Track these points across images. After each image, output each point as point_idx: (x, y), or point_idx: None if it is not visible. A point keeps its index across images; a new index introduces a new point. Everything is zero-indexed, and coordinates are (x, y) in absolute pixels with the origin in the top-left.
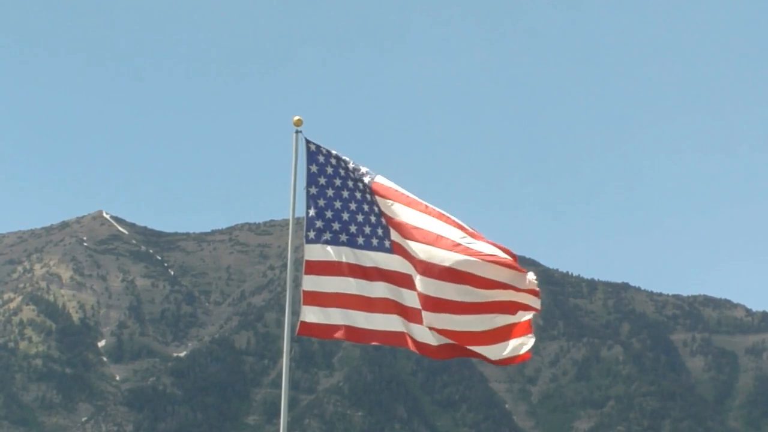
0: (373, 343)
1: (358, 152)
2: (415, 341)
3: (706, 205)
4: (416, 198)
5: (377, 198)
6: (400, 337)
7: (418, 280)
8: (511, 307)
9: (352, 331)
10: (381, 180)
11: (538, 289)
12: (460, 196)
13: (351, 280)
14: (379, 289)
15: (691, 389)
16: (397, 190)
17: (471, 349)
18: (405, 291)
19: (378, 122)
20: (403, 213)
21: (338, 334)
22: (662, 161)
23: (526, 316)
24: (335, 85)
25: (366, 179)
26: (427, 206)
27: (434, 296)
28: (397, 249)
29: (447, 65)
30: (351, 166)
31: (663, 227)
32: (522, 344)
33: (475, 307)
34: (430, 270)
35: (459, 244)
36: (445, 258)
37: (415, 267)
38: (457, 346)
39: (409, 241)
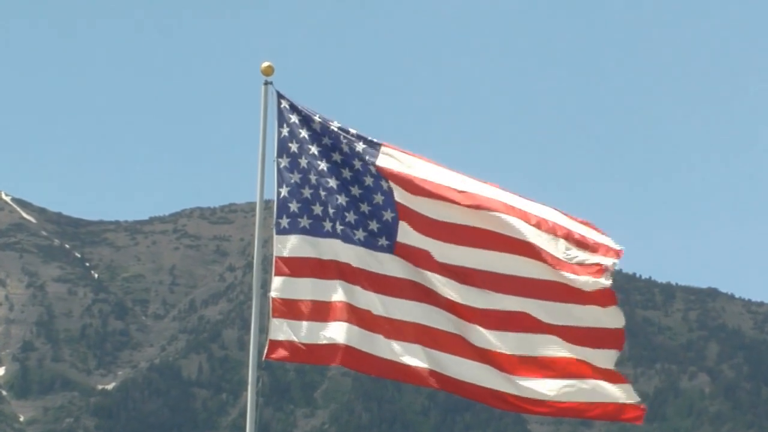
0: (371, 374)
1: (363, 124)
2: (434, 374)
3: None
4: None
5: (392, 183)
6: (405, 370)
7: (458, 288)
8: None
9: (341, 353)
10: (386, 160)
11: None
12: (484, 162)
13: (338, 283)
14: (365, 299)
15: None
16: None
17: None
18: (404, 302)
19: (386, 77)
20: (425, 204)
21: (322, 358)
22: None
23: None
24: (319, 24)
25: (366, 156)
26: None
27: (491, 309)
28: (401, 249)
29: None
30: (335, 128)
31: (764, 216)
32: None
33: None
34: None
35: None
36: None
37: (441, 273)
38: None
39: (434, 240)
